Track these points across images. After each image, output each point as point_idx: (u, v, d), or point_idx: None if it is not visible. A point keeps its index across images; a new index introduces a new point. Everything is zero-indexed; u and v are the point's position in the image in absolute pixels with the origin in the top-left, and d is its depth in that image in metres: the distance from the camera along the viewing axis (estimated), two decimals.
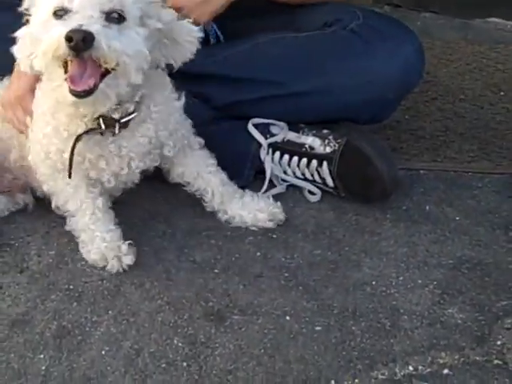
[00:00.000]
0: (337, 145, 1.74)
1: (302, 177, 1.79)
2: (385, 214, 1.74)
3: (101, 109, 1.41)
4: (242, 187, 1.77)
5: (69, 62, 1.32)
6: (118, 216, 1.61)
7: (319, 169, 1.76)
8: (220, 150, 1.79)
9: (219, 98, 1.81)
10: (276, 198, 1.76)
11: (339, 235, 1.67)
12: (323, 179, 1.76)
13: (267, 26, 1.83)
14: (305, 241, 1.65)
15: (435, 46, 2.67)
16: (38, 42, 1.31)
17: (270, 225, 1.67)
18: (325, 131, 1.77)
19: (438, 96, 2.31)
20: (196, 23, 1.76)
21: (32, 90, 1.54)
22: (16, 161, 1.63)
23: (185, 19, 1.74)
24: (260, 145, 1.78)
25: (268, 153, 1.79)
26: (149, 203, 1.74)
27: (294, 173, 1.79)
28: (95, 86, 1.32)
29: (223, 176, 1.67)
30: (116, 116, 1.45)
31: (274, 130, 1.80)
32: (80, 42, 1.26)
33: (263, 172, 1.79)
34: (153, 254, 1.59)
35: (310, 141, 1.77)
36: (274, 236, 1.66)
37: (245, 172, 1.80)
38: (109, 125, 1.45)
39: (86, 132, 1.46)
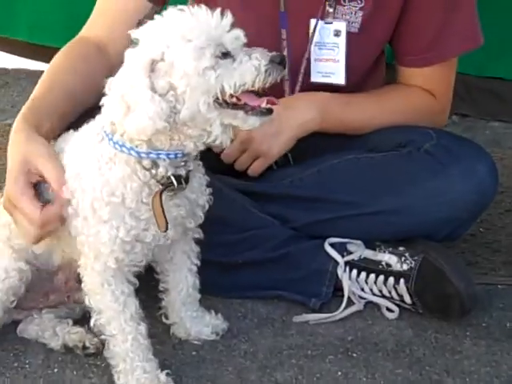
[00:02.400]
0: (413, 262, 1.76)
1: (379, 294, 1.81)
2: (465, 331, 1.74)
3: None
4: (322, 305, 1.82)
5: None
6: None
7: (396, 286, 1.78)
8: (299, 268, 1.84)
9: (297, 218, 1.86)
10: (354, 315, 1.79)
11: (419, 353, 1.67)
12: (401, 296, 1.78)
13: (338, 145, 1.89)
14: (385, 359, 1.65)
15: (506, 156, 2.68)
16: (203, 86, 1.37)
17: (214, 337, 1.70)
18: (401, 248, 1.80)
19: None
20: (266, 157, 1.86)
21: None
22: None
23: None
24: (337, 263, 1.82)
25: (345, 270, 1.82)
26: (231, 321, 1.77)
27: (372, 290, 1.82)
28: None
29: (197, 280, 1.68)
30: (182, 173, 1.47)
31: (350, 247, 1.84)
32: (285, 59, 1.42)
33: (341, 289, 1.82)
34: (236, 374, 1.61)
35: (387, 258, 1.80)
36: (354, 355, 1.67)
37: (323, 290, 1.83)
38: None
39: (165, 188, 1.45)
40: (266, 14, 1.84)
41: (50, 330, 1.63)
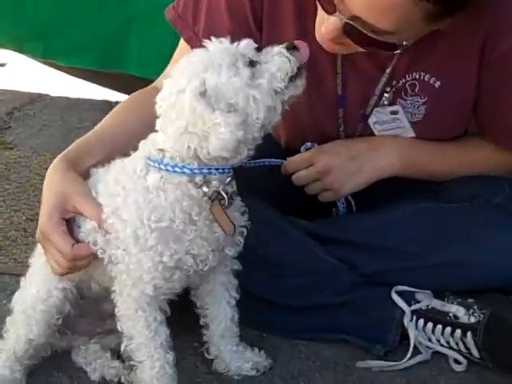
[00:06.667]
0: (482, 315, 1.73)
1: (446, 345, 1.78)
2: None
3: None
4: (387, 352, 1.80)
5: None
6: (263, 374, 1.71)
7: (464, 338, 1.74)
8: (365, 315, 1.84)
9: (365, 265, 1.85)
10: (420, 365, 1.77)
11: None
12: (468, 349, 1.75)
13: (406, 192, 1.88)
14: None
15: None
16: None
17: (254, 373, 1.71)
18: (470, 300, 1.77)
19: None
20: (336, 193, 1.88)
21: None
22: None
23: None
24: (404, 312, 1.80)
25: (411, 320, 1.79)
26: (293, 363, 1.79)
27: (439, 340, 1.78)
28: None
29: (236, 314, 1.69)
30: (230, 190, 1.53)
31: (418, 296, 1.82)
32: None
33: (408, 338, 1.80)
34: None
35: (455, 309, 1.77)
36: None
37: (389, 337, 1.81)
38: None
39: (213, 200, 1.50)
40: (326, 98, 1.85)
41: (92, 362, 1.69)
